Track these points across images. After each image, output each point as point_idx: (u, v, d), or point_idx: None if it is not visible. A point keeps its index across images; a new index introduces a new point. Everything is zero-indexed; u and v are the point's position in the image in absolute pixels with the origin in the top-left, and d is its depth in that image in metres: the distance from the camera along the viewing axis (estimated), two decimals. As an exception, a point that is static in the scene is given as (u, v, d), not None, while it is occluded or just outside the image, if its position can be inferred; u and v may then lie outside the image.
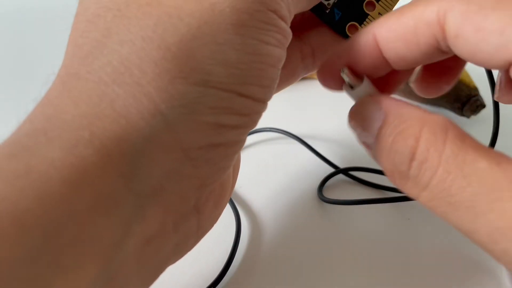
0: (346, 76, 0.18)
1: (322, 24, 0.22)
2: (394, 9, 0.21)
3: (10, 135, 0.14)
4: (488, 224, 0.13)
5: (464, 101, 0.31)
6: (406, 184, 0.15)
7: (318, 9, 0.21)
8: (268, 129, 0.33)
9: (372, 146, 0.16)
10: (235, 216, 0.26)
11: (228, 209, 0.26)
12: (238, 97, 0.15)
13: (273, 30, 0.15)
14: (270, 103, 0.17)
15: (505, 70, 0.15)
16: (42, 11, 0.49)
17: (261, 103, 0.16)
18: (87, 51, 0.15)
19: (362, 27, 0.21)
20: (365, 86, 0.18)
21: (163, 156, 0.14)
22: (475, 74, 0.33)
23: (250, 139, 0.32)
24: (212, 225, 0.18)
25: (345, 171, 0.29)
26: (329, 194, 0.27)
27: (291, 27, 0.17)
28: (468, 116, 0.32)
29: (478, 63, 0.15)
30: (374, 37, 0.17)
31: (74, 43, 0.15)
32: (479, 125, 0.32)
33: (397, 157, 0.15)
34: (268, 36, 0.15)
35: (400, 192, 0.25)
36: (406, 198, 0.25)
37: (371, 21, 0.21)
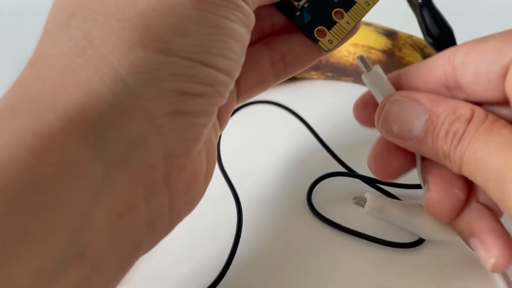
0: (361, 61, 0.22)
1: (291, 31, 0.23)
2: (361, 20, 0.22)
3: None
4: None
5: (464, 101, 0.31)
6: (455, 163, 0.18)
7: (288, 11, 0.22)
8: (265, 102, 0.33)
9: (416, 137, 0.19)
10: (237, 214, 0.26)
11: (230, 205, 0.26)
12: (200, 65, 0.15)
13: (232, 8, 0.16)
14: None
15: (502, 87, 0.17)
16: (42, 9, 0.49)
17: (226, 75, 0.16)
18: (54, 34, 0.15)
19: (330, 32, 0.22)
20: (379, 70, 0.21)
21: (128, 122, 0.14)
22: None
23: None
24: (187, 210, 0.18)
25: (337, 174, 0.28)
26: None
27: (261, 34, 0.18)
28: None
29: (478, 83, 0.18)
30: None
31: (44, 30, 0.16)
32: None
33: (451, 141, 0.18)
34: (228, 12, 0.16)
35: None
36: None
37: (339, 28, 0.22)
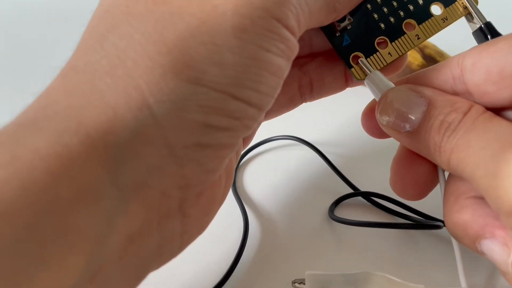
0: (362, 63, 0.20)
1: (323, 55, 0.22)
2: (407, 54, 0.21)
3: (2, 126, 0.14)
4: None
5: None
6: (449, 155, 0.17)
7: (328, 29, 0.21)
8: (285, 137, 0.32)
9: (412, 128, 0.18)
10: (243, 218, 0.26)
11: (236, 210, 0.26)
12: (231, 99, 0.15)
13: (275, 39, 0.15)
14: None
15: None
16: (43, 8, 0.49)
17: (256, 109, 0.16)
18: (90, 45, 0.15)
19: (368, 60, 0.21)
20: (378, 73, 0.20)
21: (148, 151, 0.14)
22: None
23: (266, 146, 0.32)
24: (199, 233, 0.18)
25: (365, 195, 0.27)
26: (341, 213, 0.27)
27: (297, 55, 0.17)
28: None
29: (491, 83, 0.17)
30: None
31: (82, 38, 0.16)
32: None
33: (444, 131, 0.17)
34: (270, 44, 0.15)
35: (412, 220, 0.26)
36: (418, 226, 0.25)
37: (379, 58, 0.21)
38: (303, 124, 0.33)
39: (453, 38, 0.34)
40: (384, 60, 0.21)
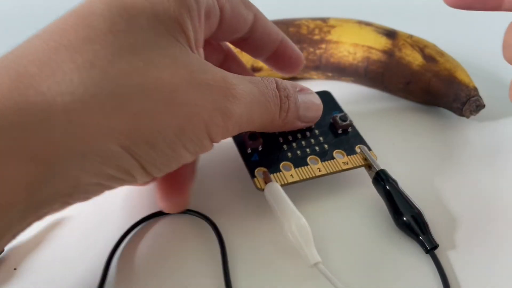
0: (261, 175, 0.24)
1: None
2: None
3: None
4: None
5: (464, 101, 0.31)
6: None
7: (241, 144, 0.25)
8: None
9: None
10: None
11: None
12: (139, 168, 0.18)
13: (199, 146, 0.20)
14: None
15: None
16: (43, 8, 0.49)
17: (150, 177, 0.19)
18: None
19: (273, 176, 0.24)
20: (277, 185, 0.23)
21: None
22: (475, 74, 0.33)
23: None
24: None
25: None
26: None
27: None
28: (467, 116, 0.32)
29: None
30: None
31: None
32: (478, 125, 0.33)
33: None
34: (193, 147, 0.19)
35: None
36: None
37: (281, 176, 0.24)
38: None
39: (453, 38, 0.34)
40: (286, 179, 0.24)
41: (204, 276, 0.22)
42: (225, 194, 0.26)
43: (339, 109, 0.29)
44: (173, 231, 0.24)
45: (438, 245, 0.22)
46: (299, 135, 0.26)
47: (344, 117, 0.28)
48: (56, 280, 0.22)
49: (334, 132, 0.27)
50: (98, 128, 0.16)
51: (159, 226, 0.25)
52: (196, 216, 0.25)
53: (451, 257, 0.23)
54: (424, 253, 0.23)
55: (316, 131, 0.27)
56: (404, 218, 0.23)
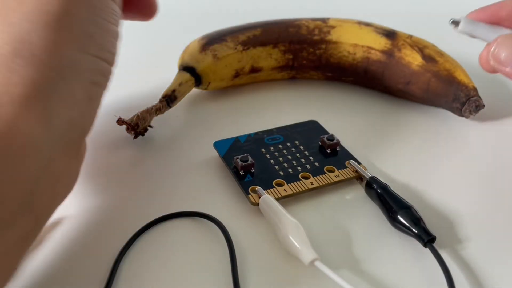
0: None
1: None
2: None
3: None
4: None
5: (463, 101, 0.31)
6: None
7: (234, 168, 0.27)
8: None
9: None
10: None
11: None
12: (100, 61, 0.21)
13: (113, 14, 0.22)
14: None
15: None
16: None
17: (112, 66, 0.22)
18: None
19: (266, 191, 0.25)
20: (270, 198, 0.24)
21: None
22: (475, 74, 0.33)
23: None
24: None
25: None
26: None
27: None
28: (467, 117, 0.32)
29: None
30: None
31: None
32: (478, 126, 0.33)
33: None
34: (110, 18, 0.21)
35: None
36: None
37: (274, 191, 0.25)
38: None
39: (453, 38, 0.34)
40: (280, 193, 0.25)
41: (213, 284, 0.22)
42: (230, 196, 0.26)
43: (327, 133, 0.30)
44: (182, 234, 0.24)
45: (435, 236, 0.22)
46: (289, 157, 0.28)
47: (331, 137, 0.29)
48: (56, 280, 0.22)
49: (324, 152, 0.28)
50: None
51: (166, 229, 0.25)
52: (205, 219, 0.25)
53: (452, 252, 0.23)
54: (423, 248, 0.22)
55: (306, 153, 0.28)
56: (398, 215, 0.23)
